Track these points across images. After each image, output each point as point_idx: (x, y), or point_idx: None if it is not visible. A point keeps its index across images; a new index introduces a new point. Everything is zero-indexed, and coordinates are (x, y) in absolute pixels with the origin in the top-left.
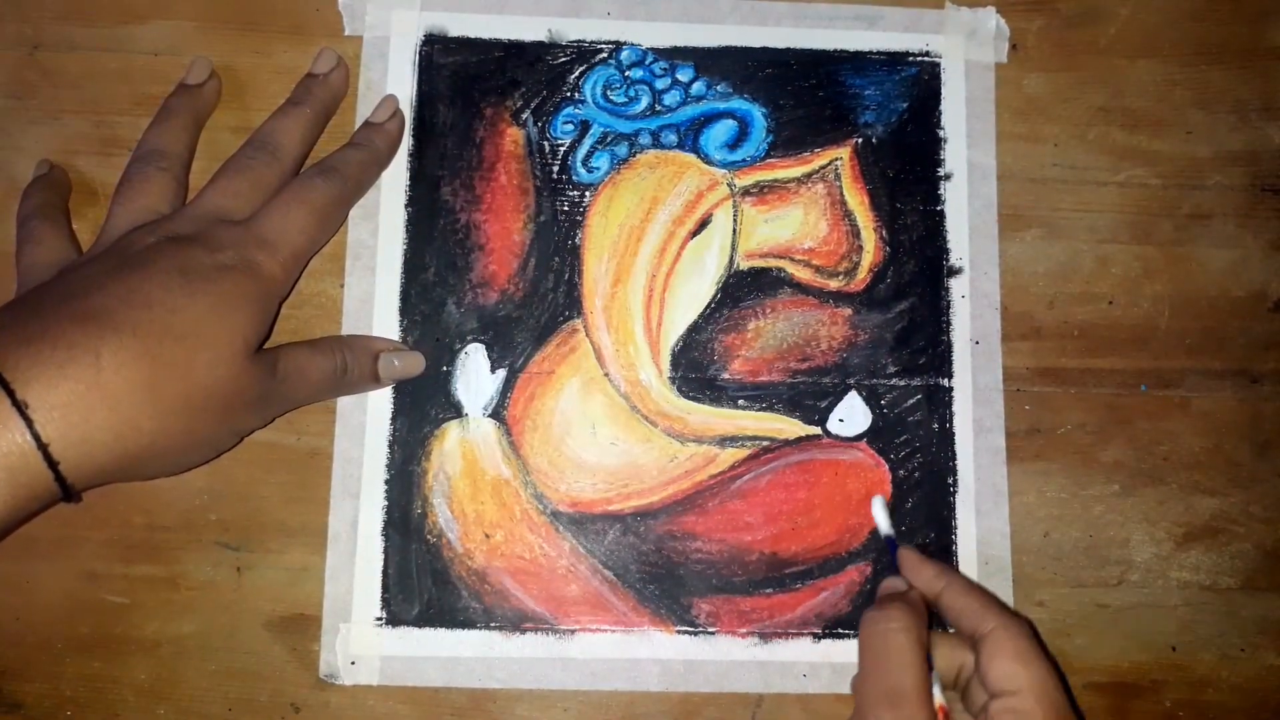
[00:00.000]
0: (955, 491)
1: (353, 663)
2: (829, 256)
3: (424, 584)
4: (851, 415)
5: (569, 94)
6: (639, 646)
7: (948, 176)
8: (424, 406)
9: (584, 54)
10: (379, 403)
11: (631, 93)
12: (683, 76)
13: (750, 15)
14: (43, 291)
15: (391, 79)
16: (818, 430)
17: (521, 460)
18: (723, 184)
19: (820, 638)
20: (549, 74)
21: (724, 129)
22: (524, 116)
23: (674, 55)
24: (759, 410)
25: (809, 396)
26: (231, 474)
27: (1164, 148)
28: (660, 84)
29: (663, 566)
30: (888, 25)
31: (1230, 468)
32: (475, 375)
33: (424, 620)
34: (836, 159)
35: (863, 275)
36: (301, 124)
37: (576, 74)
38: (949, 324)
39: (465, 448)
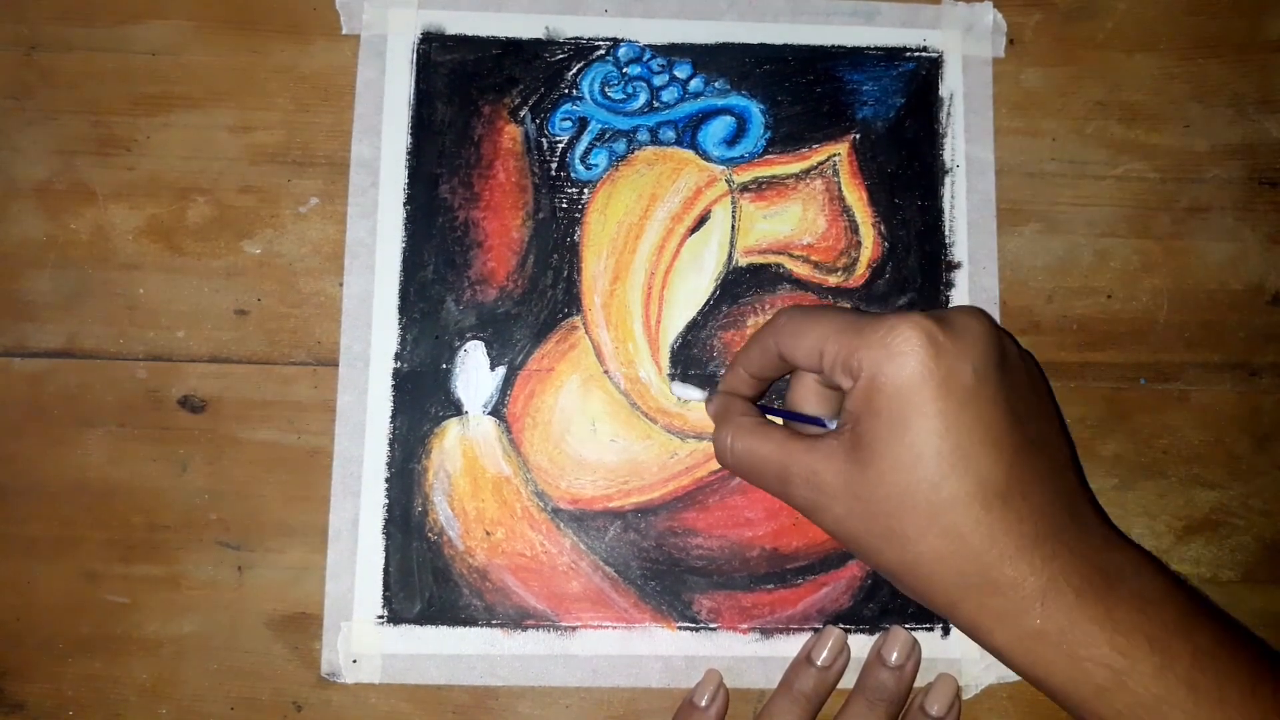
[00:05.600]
0: None
1: (354, 661)
2: (827, 252)
3: (425, 582)
4: None
5: (567, 91)
6: (640, 643)
7: (946, 171)
8: (424, 404)
9: (581, 51)
10: (379, 401)
11: (629, 89)
12: (680, 73)
13: (748, 11)
14: None
15: (389, 77)
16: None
17: (522, 458)
18: (721, 180)
19: None
20: (547, 71)
21: (722, 125)
22: (522, 114)
23: (671, 52)
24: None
25: None
26: (232, 473)
27: (1162, 141)
28: (658, 80)
29: (664, 563)
30: (885, 20)
31: (1230, 461)
32: (475, 373)
33: (425, 618)
34: (834, 155)
35: (861, 271)
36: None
37: (574, 71)
38: None
39: (465, 445)
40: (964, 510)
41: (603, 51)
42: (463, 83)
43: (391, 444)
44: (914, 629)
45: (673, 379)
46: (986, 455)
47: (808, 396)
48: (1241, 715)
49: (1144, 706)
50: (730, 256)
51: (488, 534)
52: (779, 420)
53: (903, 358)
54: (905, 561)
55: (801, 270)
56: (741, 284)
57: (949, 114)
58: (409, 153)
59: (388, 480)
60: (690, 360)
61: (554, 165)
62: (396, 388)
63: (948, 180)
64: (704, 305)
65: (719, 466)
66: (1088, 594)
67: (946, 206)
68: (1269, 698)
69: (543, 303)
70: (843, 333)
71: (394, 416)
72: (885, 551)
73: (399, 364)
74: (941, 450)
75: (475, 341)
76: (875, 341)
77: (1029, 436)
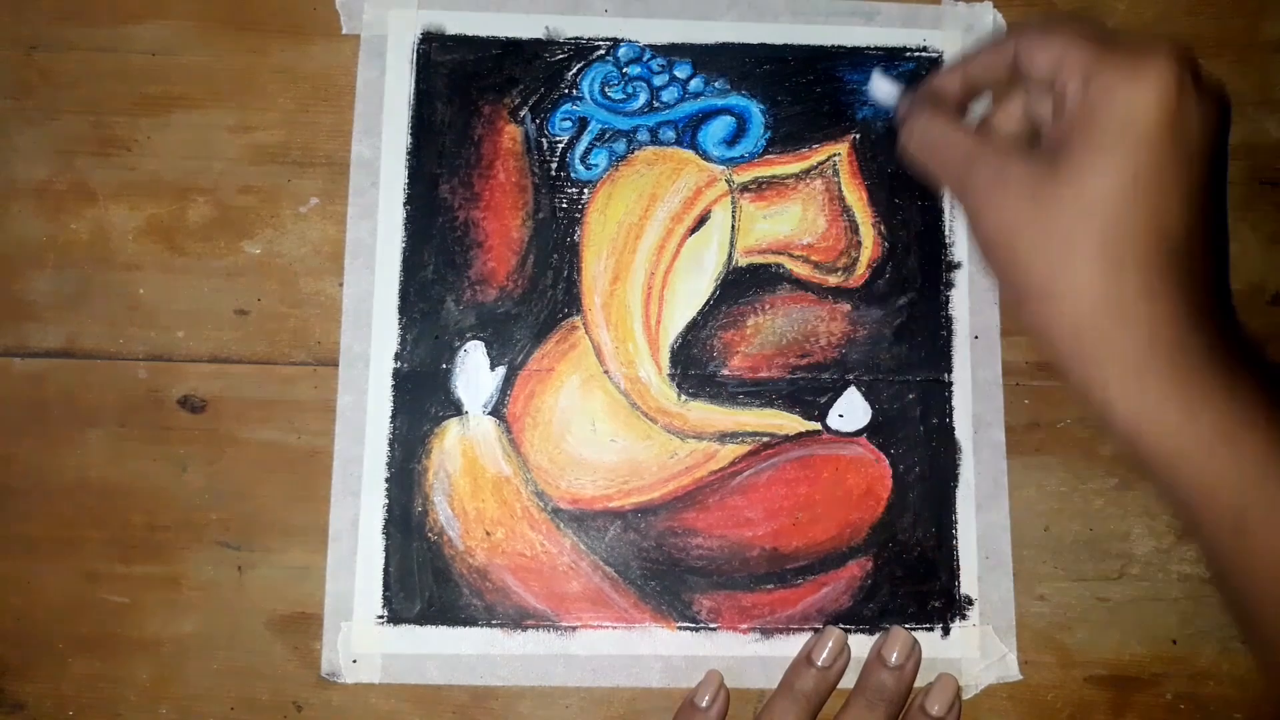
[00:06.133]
0: (955, 486)
1: (354, 661)
2: (827, 252)
3: (425, 582)
4: (851, 411)
5: (567, 91)
6: (640, 643)
7: None
8: (424, 405)
9: (581, 51)
10: (379, 401)
11: (629, 89)
12: (680, 73)
13: (747, 12)
14: None
15: (389, 78)
16: (817, 426)
17: (522, 458)
18: (721, 180)
19: None
20: (547, 71)
21: (722, 125)
22: (522, 114)
23: (671, 52)
24: (759, 406)
25: (808, 392)
26: (232, 473)
27: None
28: (658, 80)
29: (664, 563)
30: (885, 21)
31: None
32: (475, 373)
33: (425, 618)
34: (835, 154)
35: (861, 271)
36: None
37: (574, 71)
38: (948, 319)
39: (465, 445)
40: (1137, 247)
41: (603, 51)
42: (463, 83)
43: (391, 444)
44: (914, 629)
45: (672, 378)
46: (1179, 210)
47: (1008, 120)
48: None
49: (1247, 469)
50: (730, 256)
51: (488, 534)
52: None
53: (1149, 84)
54: (1045, 273)
55: (801, 270)
56: (741, 284)
57: None
58: (409, 153)
59: (388, 480)
60: (690, 360)
61: (554, 165)
62: (396, 388)
63: None
64: (704, 305)
65: (719, 467)
66: (1219, 358)
67: (946, 206)
68: None
69: (543, 303)
70: (1093, 42)
71: (394, 416)
72: (1036, 263)
73: (399, 364)
74: (1143, 185)
75: (475, 341)
76: (1125, 60)
77: (1210, 213)
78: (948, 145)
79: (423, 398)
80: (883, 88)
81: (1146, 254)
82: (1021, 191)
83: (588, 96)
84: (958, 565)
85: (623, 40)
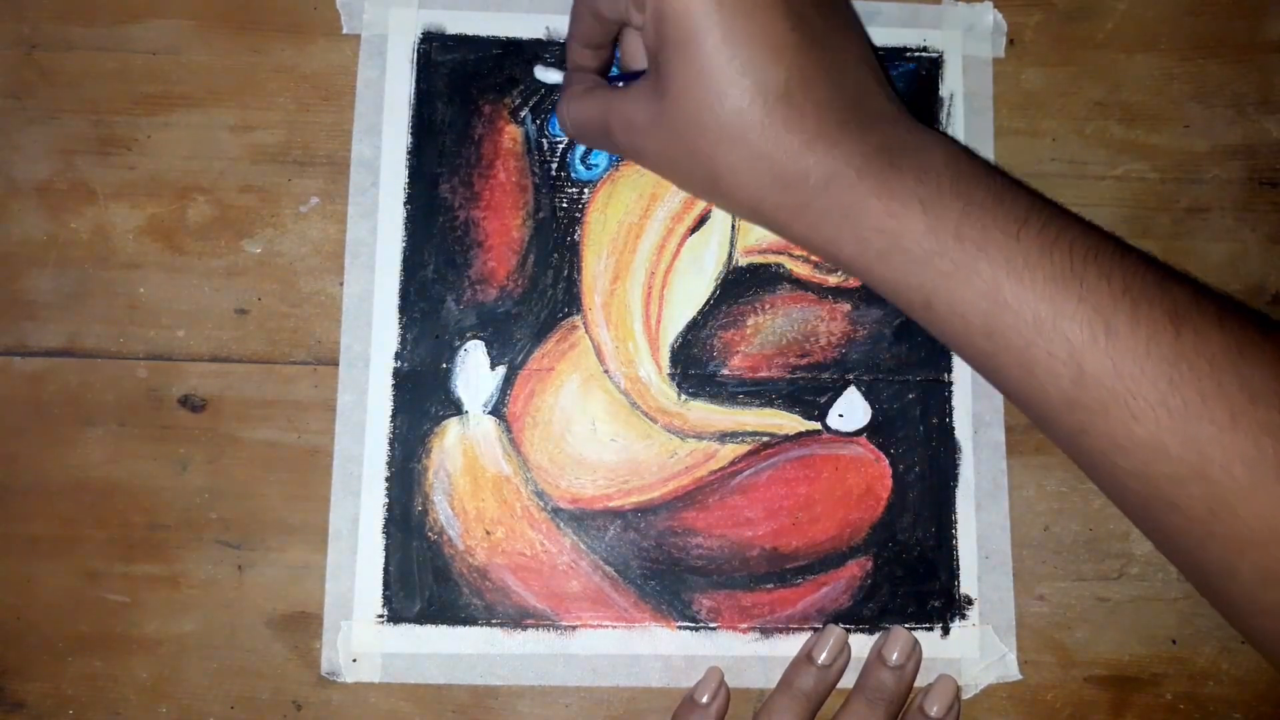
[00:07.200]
0: (955, 486)
1: (354, 660)
2: None
3: (425, 581)
4: (851, 410)
5: None
6: (640, 642)
7: None
8: (424, 404)
9: None
10: (379, 400)
11: None
12: None
13: None
14: None
15: (390, 77)
16: (817, 425)
17: (522, 457)
18: None
19: None
20: None
21: None
22: (522, 114)
23: None
24: (759, 406)
25: (808, 392)
26: (232, 472)
27: (1161, 142)
28: None
29: (663, 562)
30: (885, 20)
31: None
32: (475, 372)
33: (425, 617)
34: None
35: None
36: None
37: None
38: None
39: (465, 445)
40: (747, 116)
41: None
42: (463, 83)
43: (391, 443)
44: (914, 629)
45: (673, 377)
46: (765, 59)
47: (636, 53)
48: (1001, 258)
49: (917, 262)
50: (730, 256)
51: (488, 533)
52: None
53: None
54: (710, 177)
55: (801, 270)
56: (742, 283)
57: (949, 114)
58: (409, 152)
59: (388, 480)
60: (690, 359)
61: (554, 165)
62: (396, 387)
63: None
64: (704, 305)
65: (719, 466)
66: (868, 173)
67: None
68: (1032, 238)
69: (543, 302)
70: None
71: (394, 416)
72: (694, 173)
73: (399, 363)
74: (721, 62)
75: (475, 341)
76: None
77: (813, 36)
78: (584, 113)
79: (423, 397)
80: (548, 75)
81: (759, 115)
82: (649, 128)
83: None
84: (957, 565)
85: None
